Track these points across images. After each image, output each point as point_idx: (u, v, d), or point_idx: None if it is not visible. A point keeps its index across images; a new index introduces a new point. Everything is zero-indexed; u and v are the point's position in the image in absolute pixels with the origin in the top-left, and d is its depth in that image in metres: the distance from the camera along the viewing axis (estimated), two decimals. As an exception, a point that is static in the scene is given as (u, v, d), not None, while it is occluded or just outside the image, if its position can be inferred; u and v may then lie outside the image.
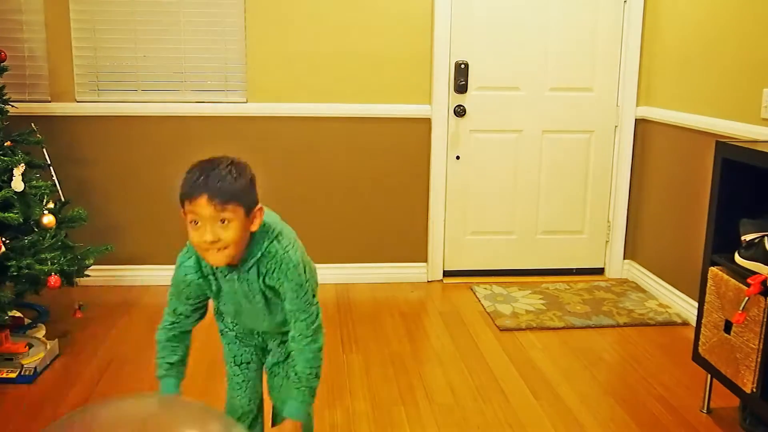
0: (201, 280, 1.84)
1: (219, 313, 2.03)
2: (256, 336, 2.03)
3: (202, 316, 1.95)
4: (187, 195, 1.64)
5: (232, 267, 1.77)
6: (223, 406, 2.63)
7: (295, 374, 1.84)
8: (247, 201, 1.68)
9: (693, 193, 3.43)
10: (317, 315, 1.84)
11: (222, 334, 2.09)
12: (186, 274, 1.85)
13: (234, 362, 2.07)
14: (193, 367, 2.96)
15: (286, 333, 1.88)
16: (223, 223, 1.64)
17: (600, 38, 3.87)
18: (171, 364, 1.89)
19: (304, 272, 1.80)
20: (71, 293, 3.13)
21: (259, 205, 1.74)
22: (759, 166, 2.30)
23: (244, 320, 1.96)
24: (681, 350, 3.14)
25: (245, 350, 2.05)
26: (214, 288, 1.86)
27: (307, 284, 1.80)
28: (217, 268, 1.80)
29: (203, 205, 1.61)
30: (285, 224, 1.90)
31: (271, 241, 1.78)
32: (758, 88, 2.93)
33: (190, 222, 1.65)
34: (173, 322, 1.94)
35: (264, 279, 1.78)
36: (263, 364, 2.06)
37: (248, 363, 2.07)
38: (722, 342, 2.42)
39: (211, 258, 1.69)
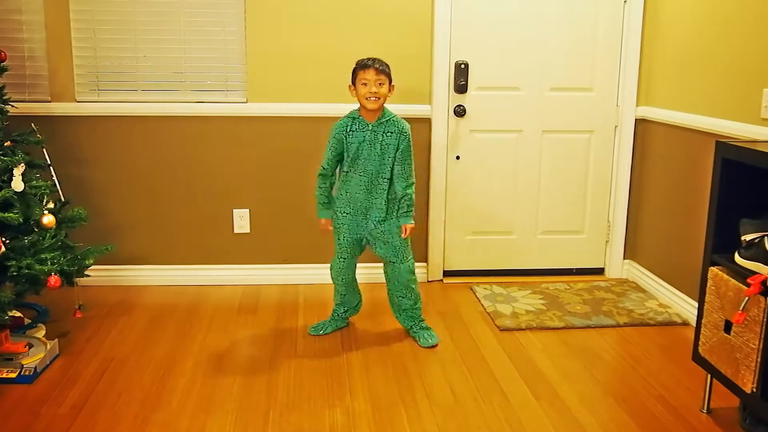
0: (344, 133, 3.03)
1: (345, 168, 3.10)
2: (365, 189, 3.08)
3: (335, 173, 3.14)
4: (363, 67, 2.96)
5: (367, 124, 3.01)
6: (223, 405, 2.64)
7: (403, 200, 3.06)
8: (390, 77, 3.00)
9: (693, 193, 3.43)
10: (414, 181, 3.08)
11: (342, 183, 3.14)
12: (337, 126, 3.05)
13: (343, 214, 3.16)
14: (192, 367, 2.96)
15: (386, 198, 3.08)
16: (380, 85, 2.94)
17: (600, 38, 3.87)
18: (324, 203, 3.16)
19: (410, 139, 3.05)
20: (71, 293, 3.13)
21: (393, 84, 3.03)
22: (759, 166, 2.30)
23: (362, 162, 3.02)
24: (681, 350, 3.14)
25: (354, 210, 3.15)
26: (351, 140, 3.02)
27: (411, 144, 3.05)
28: (357, 126, 3.02)
29: (371, 73, 2.93)
30: None
31: (394, 115, 3.05)
32: (758, 88, 2.93)
33: (361, 84, 2.94)
34: (323, 168, 3.10)
35: (385, 134, 3.00)
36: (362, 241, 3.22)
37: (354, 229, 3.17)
38: (722, 342, 2.42)
39: (369, 104, 2.94)
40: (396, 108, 3.80)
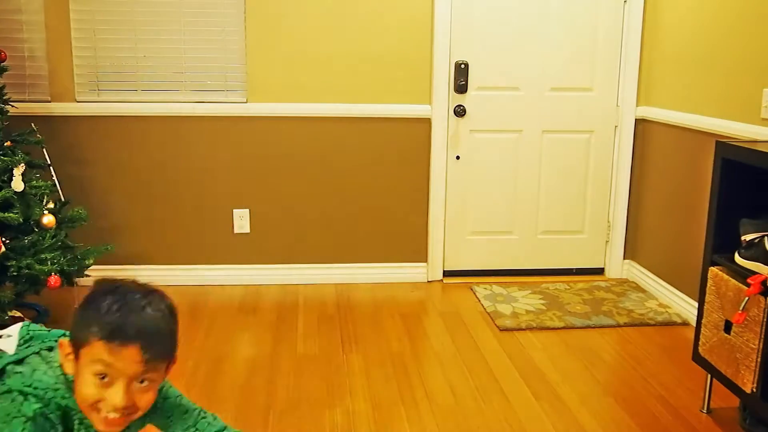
0: None
1: None
2: None
3: None
4: (110, 336, 1.16)
5: None
6: (222, 405, 2.63)
7: None
8: (175, 350, 1.28)
9: (693, 193, 3.43)
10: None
11: None
12: (45, 427, 1.20)
13: None
14: (192, 367, 2.96)
15: None
16: (142, 383, 1.21)
17: (600, 38, 3.87)
18: None
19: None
20: (71, 293, 3.12)
21: (175, 355, 1.29)
22: (759, 166, 2.30)
23: None
24: (681, 350, 3.14)
25: None
26: None
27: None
28: (77, 420, 1.25)
29: (131, 359, 1.17)
30: None
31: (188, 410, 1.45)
32: (758, 88, 2.93)
33: (94, 374, 1.18)
34: None
35: None
36: None
37: None
38: (722, 342, 2.42)
39: (100, 424, 1.21)
40: (396, 108, 3.84)
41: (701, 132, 3.32)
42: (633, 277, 4.05)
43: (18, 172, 2.81)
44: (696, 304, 3.02)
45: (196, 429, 1.43)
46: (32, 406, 1.18)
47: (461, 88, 3.82)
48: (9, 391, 1.20)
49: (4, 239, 2.72)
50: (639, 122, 3.92)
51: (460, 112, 3.85)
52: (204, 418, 1.46)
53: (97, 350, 1.17)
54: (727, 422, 2.56)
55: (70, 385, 1.24)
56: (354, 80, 3.77)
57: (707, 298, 2.50)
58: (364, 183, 3.89)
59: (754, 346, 2.24)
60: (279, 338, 3.23)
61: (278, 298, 3.74)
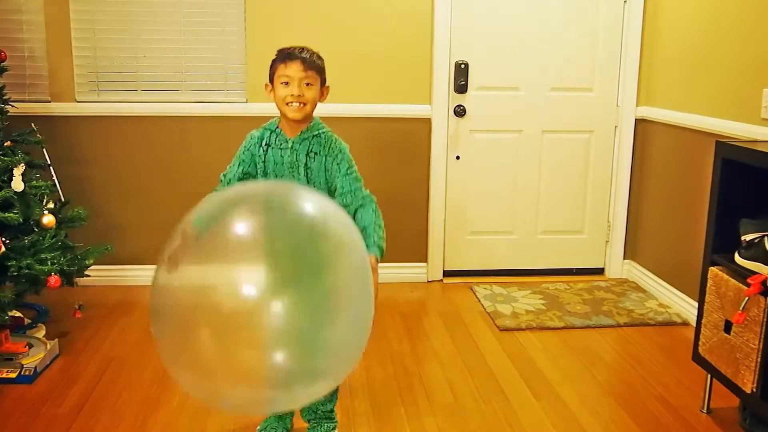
0: (258, 148, 2.18)
1: None
2: None
3: None
4: (285, 58, 2.11)
5: (287, 139, 2.17)
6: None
7: (364, 227, 2.18)
8: (323, 76, 2.17)
9: (693, 193, 3.43)
10: (367, 192, 2.25)
11: None
12: (251, 139, 2.21)
13: None
14: (193, 367, 2.95)
15: None
16: (308, 85, 2.10)
17: (600, 38, 3.87)
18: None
19: (351, 160, 2.21)
20: (71, 293, 3.12)
21: (328, 85, 2.19)
22: (759, 166, 2.30)
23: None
24: (681, 350, 3.14)
25: None
26: (264, 158, 2.18)
27: (355, 167, 2.24)
28: (274, 140, 2.18)
29: (296, 68, 2.08)
30: None
31: (327, 130, 2.20)
32: (758, 88, 2.93)
33: (281, 83, 2.10)
34: (222, 178, 2.23)
35: (310, 156, 2.16)
36: None
37: None
38: (722, 342, 2.42)
39: (291, 111, 2.10)
40: (396, 108, 3.83)
41: (701, 132, 3.32)
42: (633, 277, 4.05)
43: (18, 172, 2.81)
44: (696, 304, 3.02)
45: (350, 191, 2.22)
46: (258, 128, 2.22)
47: (461, 88, 3.82)
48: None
49: (4, 239, 2.72)
50: (639, 122, 3.92)
51: (460, 112, 3.85)
52: (360, 196, 2.26)
53: (280, 69, 2.11)
54: (727, 422, 2.56)
55: (276, 120, 2.20)
56: (354, 80, 3.77)
57: (707, 298, 2.50)
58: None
59: (754, 346, 2.24)
60: (279, 338, 3.22)
61: (278, 298, 3.73)
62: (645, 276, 3.92)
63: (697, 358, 2.58)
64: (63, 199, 3.16)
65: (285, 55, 2.12)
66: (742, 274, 2.30)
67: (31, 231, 2.86)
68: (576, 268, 4.14)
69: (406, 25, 3.76)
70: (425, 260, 4.01)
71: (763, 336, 2.21)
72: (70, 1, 3.61)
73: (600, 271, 4.16)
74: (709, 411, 2.62)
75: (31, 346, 2.90)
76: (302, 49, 2.14)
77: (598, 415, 2.61)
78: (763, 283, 2.19)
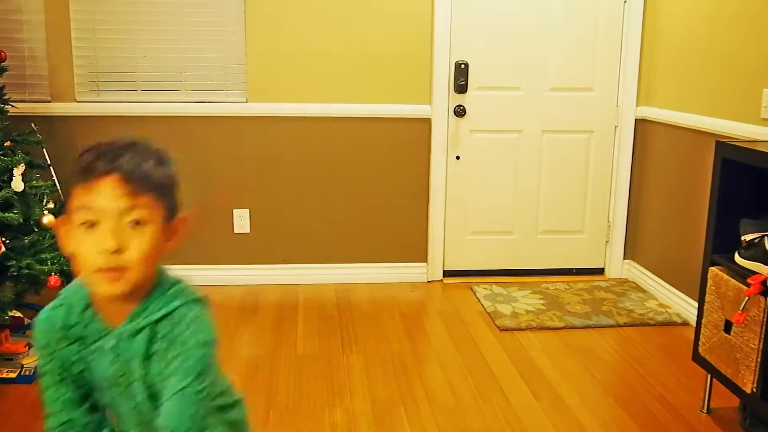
0: (65, 345, 1.17)
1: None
2: None
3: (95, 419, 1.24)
4: (86, 174, 1.09)
5: (106, 327, 1.17)
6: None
7: None
8: (171, 198, 1.16)
9: (693, 193, 3.43)
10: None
11: None
12: (47, 330, 1.19)
13: None
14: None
15: None
16: (135, 226, 1.10)
17: (600, 38, 3.87)
18: None
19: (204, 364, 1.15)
20: (71, 293, 3.12)
21: (184, 214, 1.19)
22: (759, 166, 2.30)
23: (113, 405, 1.22)
24: (681, 350, 3.14)
25: None
26: (78, 364, 1.19)
27: (205, 383, 1.15)
28: (82, 328, 1.18)
29: (110, 192, 1.07)
30: None
31: (185, 300, 1.20)
32: (758, 88, 2.92)
33: (81, 224, 1.09)
34: (61, 424, 1.20)
35: (153, 353, 1.15)
36: None
37: None
38: (722, 342, 2.42)
39: (102, 284, 1.10)
40: (396, 108, 3.83)
41: (701, 132, 3.32)
42: (633, 277, 4.05)
43: (18, 172, 2.81)
44: (696, 304, 3.02)
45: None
46: (54, 302, 1.21)
47: (461, 88, 3.82)
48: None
49: (4, 239, 2.72)
50: (639, 122, 3.92)
51: (460, 112, 3.85)
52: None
53: (78, 196, 1.09)
54: (727, 422, 2.56)
55: (85, 289, 1.19)
56: (354, 80, 3.77)
57: (707, 298, 2.50)
58: (364, 183, 3.89)
59: (754, 346, 2.24)
60: (279, 338, 3.22)
61: (278, 298, 3.74)
62: (645, 276, 3.92)
63: (697, 358, 2.58)
64: (63, 199, 3.16)
65: (87, 162, 1.12)
66: (742, 274, 2.30)
67: (31, 231, 2.86)
68: (576, 268, 4.14)
69: (406, 25, 3.76)
70: (425, 260, 4.01)
71: (763, 336, 2.21)
72: (70, 1, 3.61)
73: (600, 271, 4.16)
74: (709, 411, 2.62)
75: (31, 346, 2.89)
76: (125, 144, 1.16)
77: (598, 415, 2.61)
78: (763, 283, 2.18)
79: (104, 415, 1.24)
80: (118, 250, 1.08)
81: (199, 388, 1.12)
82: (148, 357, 1.15)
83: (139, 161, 1.12)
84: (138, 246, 1.10)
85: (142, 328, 1.15)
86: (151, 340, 1.15)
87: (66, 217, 1.12)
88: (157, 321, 1.15)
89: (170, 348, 1.13)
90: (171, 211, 1.16)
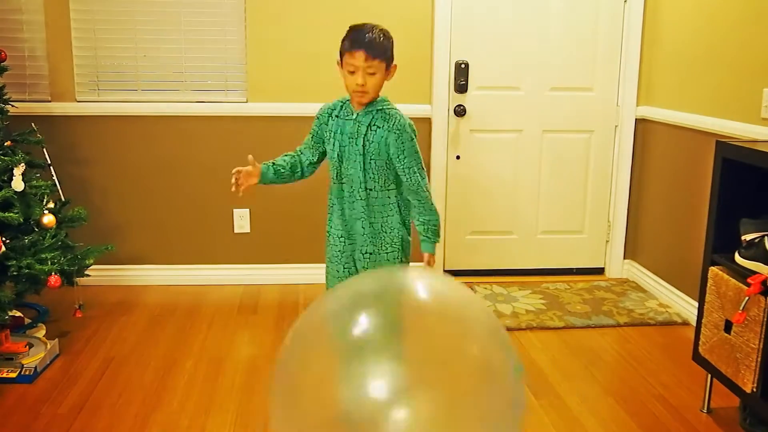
0: (328, 118, 2.38)
1: (331, 169, 2.41)
2: (347, 203, 2.40)
3: (311, 169, 2.48)
4: (352, 46, 2.21)
5: (353, 111, 2.33)
6: (222, 405, 2.63)
7: (421, 222, 2.37)
8: (389, 59, 2.27)
9: (693, 193, 3.43)
10: (425, 174, 2.34)
11: (330, 200, 2.48)
12: (323, 110, 2.41)
13: (334, 233, 2.46)
14: (192, 367, 2.96)
15: (368, 220, 2.37)
16: (371, 74, 2.22)
17: (600, 38, 3.87)
18: (273, 162, 2.44)
19: (413, 137, 2.33)
20: (71, 293, 3.12)
21: (395, 63, 2.31)
22: (759, 166, 2.30)
23: (345, 165, 2.34)
24: (681, 350, 3.14)
25: (346, 218, 2.42)
26: (331, 128, 2.36)
27: (415, 144, 2.33)
28: (341, 111, 2.35)
29: (360, 58, 2.19)
30: None
31: (392, 107, 2.33)
32: (758, 88, 2.92)
33: (348, 71, 2.23)
34: (294, 154, 2.46)
35: (371, 128, 2.29)
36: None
37: (346, 237, 2.43)
38: (722, 342, 2.42)
39: (356, 97, 2.27)
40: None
41: (701, 132, 3.32)
42: (633, 276, 4.05)
43: (18, 171, 2.81)
44: (696, 304, 3.02)
45: (410, 187, 2.33)
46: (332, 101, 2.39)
47: (461, 87, 3.82)
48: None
49: (4, 239, 2.72)
50: (639, 122, 3.92)
51: (460, 111, 3.85)
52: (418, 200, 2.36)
53: (347, 57, 2.23)
54: (727, 422, 2.56)
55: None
56: (354, 80, 3.77)
57: (707, 297, 2.50)
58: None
59: (754, 346, 2.24)
60: (279, 338, 3.22)
61: (278, 298, 3.73)
62: (645, 276, 3.92)
63: (698, 357, 2.58)
64: (63, 199, 3.16)
65: (351, 42, 2.22)
66: (743, 274, 2.30)
67: (32, 231, 2.86)
68: (576, 268, 4.14)
69: (406, 25, 3.75)
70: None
71: (763, 336, 2.21)
72: (70, 1, 3.61)
73: (600, 271, 4.16)
74: (709, 411, 2.62)
75: (31, 345, 2.90)
76: (369, 30, 2.24)
77: (598, 415, 2.61)
78: (764, 282, 2.18)
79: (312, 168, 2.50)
80: (363, 85, 2.22)
81: (414, 145, 2.35)
82: (369, 127, 2.29)
83: (376, 37, 2.23)
84: (372, 82, 2.24)
85: (368, 112, 2.30)
86: (372, 119, 2.30)
87: (341, 67, 2.27)
88: (377, 110, 2.30)
89: (387, 128, 2.29)
90: (388, 62, 2.27)
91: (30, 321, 3.21)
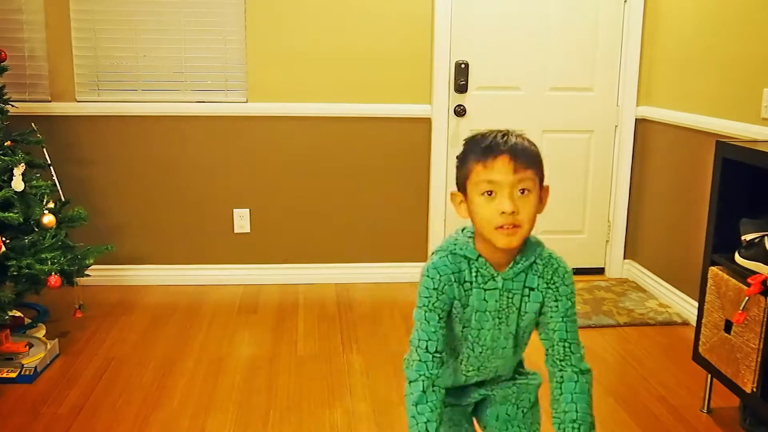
0: (456, 286, 1.48)
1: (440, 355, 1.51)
2: (478, 391, 1.64)
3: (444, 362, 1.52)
4: (484, 155, 1.41)
5: (495, 274, 1.48)
6: (222, 405, 2.63)
7: (574, 424, 1.59)
8: (542, 171, 1.44)
9: (693, 193, 3.43)
10: (582, 349, 1.57)
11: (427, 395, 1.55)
12: (439, 275, 1.49)
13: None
14: (192, 367, 2.96)
15: (517, 381, 1.66)
16: (523, 193, 1.39)
17: (600, 38, 3.87)
18: (433, 419, 1.50)
19: (574, 296, 1.54)
20: (71, 293, 3.12)
21: (547, 184, 1.46)
22: (759, 166, 2.30)
23: (480, 357, 1.57)
24: (681, 350, 3.14)
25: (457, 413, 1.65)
26: (466, 301, 1.49)
27: (575, 307, 1.55)
28: (476, 276, 1.48)
29: (504, 168, 1.38)
30: None
31: (542, 246, 1.51)
32: (758, 88, 2.92)
33: (482, 193, 1.40)
34: (421, 352, 1.48)
35: (524, 292, 1.49)
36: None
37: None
38: (722, 342, 2.42)
39: (503, 238, 1.40)
40: (396, 108, 3.83)
41: (701, 132, 3.32)
42: (633, 276, 4.05)
43: (18, 171, 2.81)
44: (696, 304, 3.02)
45: (561, 343, 1.57)
46: (432, 259, 1.54)
47: (461, 87, 3.82)
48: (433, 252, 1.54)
49: (4, 239, 2.72)
50: (639, 122, 3.92)
51: (460, 111, 3.85)
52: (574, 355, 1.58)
53: (477, 172, 1.41)
54: (727, 422, 2.56)
55: (468, 238, 1.50)
56: (354, 80, 3.77)
57: (707, 297, 2.50)
58: (364, 183, 3.89)
59: (754, 346, 2.24)
60: (279, 338, 3.22)
61: (278, 298, 3.73)
62: (645, 276, 3.92)
63: (698, 357, 2.58)
64: (63, 199, 3.16)
65: (484, 146, 1.44)
66: (743, 274, 2.30)
67: (32, 231, 2.86)
68: (576, 268, 4.11)
69: (406, 25, 3.76)
70: (425, 260, 4.00)
71: (763, 336, 2.21)
72: (70, 1, 3.61)
73: (600, 271, 4.16)
74: (709, 411, 2.62)
75: (31, 345, 2.90)
76: (506, 133, 1.50)
77: (598, 415, 2.59)
78: (764, 282, 2.18)
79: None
80: (514, 213, 1.37)
81: (575, 309, 1.54)
82: (523, 293, 1.50)
83: (521, 141, 1.44)
84: (526, 209, 1.39)
85: (522, 271, 1.48)
86: (526, 280, 1.49)
87: (463, 193, 1.46)
88: (530, 265, 1.49)
89: (544, 287, 1.50)
90: (541, 180, 1.44)
91: (30, 321, 3.21)
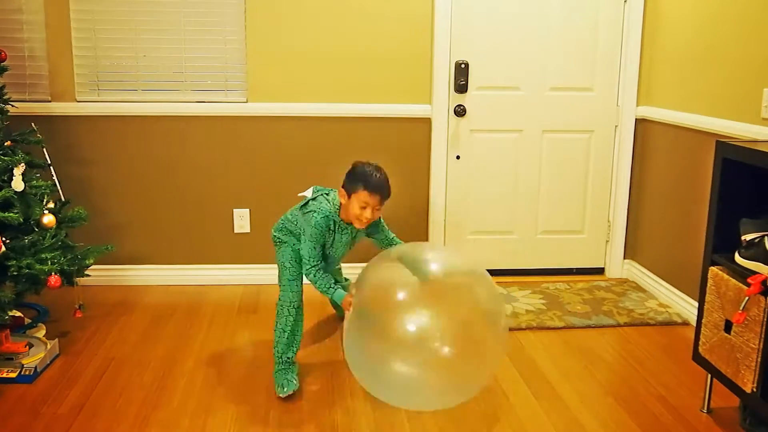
0: (328, 232, 2.72)
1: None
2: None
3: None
4: (371, 189, 2.58)
5: (346, 226, 2.73)
6: (223, 405, 2.63)
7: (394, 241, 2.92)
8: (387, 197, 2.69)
9: (693, 193, 3.43)
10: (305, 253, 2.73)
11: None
12: (326, 225, 2.69)
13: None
14: (193, 367, 2.96)
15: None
16: (376, 211, 2.62)
17: (600, 38, 3.87)
18: (333, 283, 2.67)
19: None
20: (71, 293, 3.13)
21: (386, 202, 2.70)
22: (759, 166, 2.30)
23: (334, 254, 2.81)
24: (681, 350, 3.14)
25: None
26: (330, 236, 2.74)
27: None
28: (337, 228, 2.72)
29: (377, 200, 2.60)
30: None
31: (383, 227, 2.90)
32: (758, 88, 2.93)
33: (360, 205, 2.59)
34: (316, 264, 2.69)
35: (355, 233, 2.79)
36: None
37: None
38: (722, 342, 2.42)
39: (358, 223, 2.65)
40: (396, 108, 3.85)
41: (701, 132, 3.32)
42: (633, 276, 4.05)
43: (18, 171, 2.81)
44: (696, 304, 3.02)
45: (386, 236, 2.89)
46: (317, 216, 2.67)
47: (461, 87, 3.82)
48: (309, 211, 2.71)
49: (4, 239, 2.72)
50: (639, 122, 3.92)
51: (460, 111, 3.85)
52: (392, 236, 2.92)
53: (362, 195, 2.58)
54: (727, 422, 2.56)
55: (336, 208, 2.71)
56: (354, 80, 3.77)
57: (707, 297, 2.50)
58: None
59: (754, 346, 2.24)
60: (279, 338, 3.22)
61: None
62: (645, 276, 3.92)
63: (698, 357, 2.58)
64: (63, 199, 3.16)
65: (373, 186, 2.59)
66: (743, 274, 2.30)
67: (32, 231, 2.86)
68: (576, 268, 4.14)
69: (406, 25, 3.76)
70: (425, 260, 4.01)
71: (763, 336, 2.21)
72: (70, 1, 3.61)
73: (600, 271, 4.16)
74: (709, 411, 2.62)
75: (31, 345, 2.90)
76: (384, 183, 2.63)
77: (598, 415, 2.61)
78: (764, 282, 2.19)
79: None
80: (369, 219, 2.61)
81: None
82: (354, 233, 2.78)
83: (388, 186, 2.65)
84: (376, 216, 2.63)
85: (350, 225, 2.74)
86: (352, 228, 2.75)
87: (347, 195, 2.63)
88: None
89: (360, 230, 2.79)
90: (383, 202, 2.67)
91: (30, 321, 3.21)
